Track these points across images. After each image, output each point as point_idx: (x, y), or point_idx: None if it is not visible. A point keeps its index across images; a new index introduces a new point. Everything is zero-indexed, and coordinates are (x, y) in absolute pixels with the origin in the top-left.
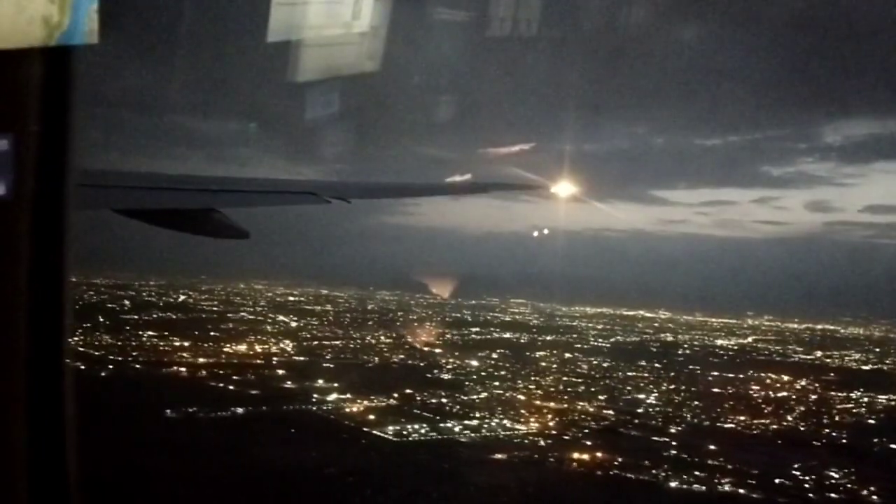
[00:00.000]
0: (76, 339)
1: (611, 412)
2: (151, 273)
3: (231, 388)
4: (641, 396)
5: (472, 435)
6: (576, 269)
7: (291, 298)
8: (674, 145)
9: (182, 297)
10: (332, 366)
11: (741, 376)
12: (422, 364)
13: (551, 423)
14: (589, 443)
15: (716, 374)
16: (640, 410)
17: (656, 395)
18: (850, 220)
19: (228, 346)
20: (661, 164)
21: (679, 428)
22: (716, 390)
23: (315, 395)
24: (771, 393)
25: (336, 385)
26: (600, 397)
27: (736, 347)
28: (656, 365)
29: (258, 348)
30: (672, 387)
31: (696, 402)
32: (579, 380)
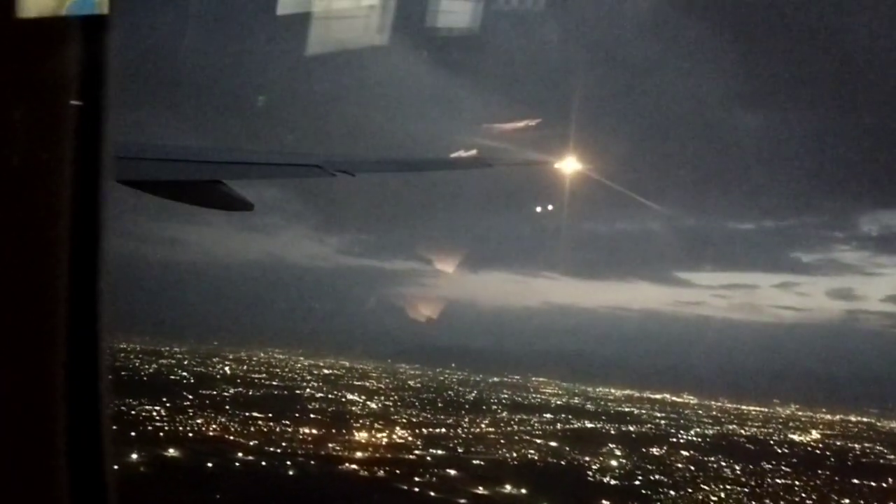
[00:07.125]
0: (192, 420)
1: None
2: (162, 337)
3: (432, 493)
4: None
5: None
6: (591, 347)
7: (327, 371)
8: (706, 227)
9: (226, 368)
10: (481, 462)
11: (884, 485)
12: (561, 463)
13: None
14: None
15: (856, 481)
16: None
17: None
18: (870, 309)
19: (352, 435)
20: (690, 246)
21: None
22: None
23: None
24: None
25: (524, 492)
26: None
27: (821, 446)
28: (783, 468)
29: (380, 437)
30: (846, 501)
31: None
32: (745, 489)
